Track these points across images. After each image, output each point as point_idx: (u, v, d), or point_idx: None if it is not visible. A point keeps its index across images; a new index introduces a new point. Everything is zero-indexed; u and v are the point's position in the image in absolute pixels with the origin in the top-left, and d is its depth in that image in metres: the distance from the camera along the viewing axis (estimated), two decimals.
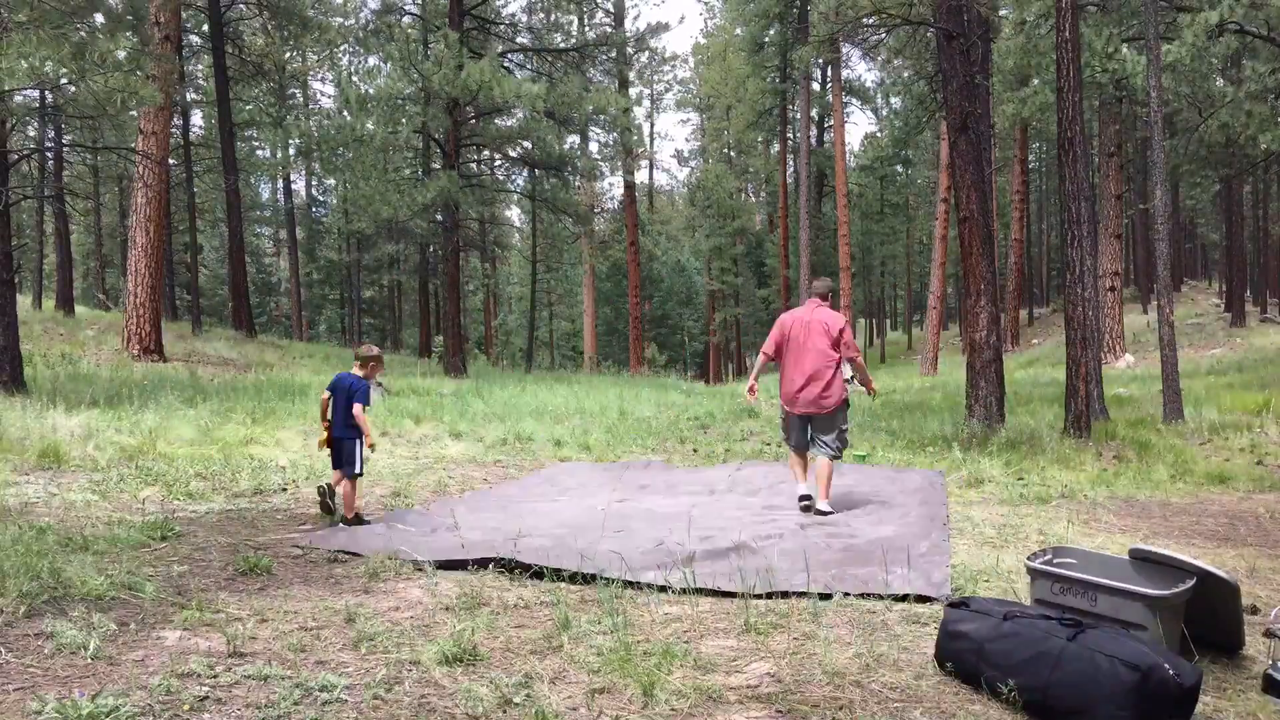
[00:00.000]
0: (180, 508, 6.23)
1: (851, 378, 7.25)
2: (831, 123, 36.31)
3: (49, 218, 27.22)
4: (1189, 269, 46.98)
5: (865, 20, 16.39)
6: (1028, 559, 3.79)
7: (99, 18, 11.47)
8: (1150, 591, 3.36)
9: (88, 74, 10.86)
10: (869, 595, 4.31)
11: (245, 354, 18.84)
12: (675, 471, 8.60)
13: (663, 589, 4.46)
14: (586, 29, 33.87)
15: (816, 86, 36.56)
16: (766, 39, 35.84)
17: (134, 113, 15.56)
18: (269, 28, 26.12)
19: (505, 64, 22.85)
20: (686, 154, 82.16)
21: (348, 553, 5.14)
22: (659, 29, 30.23)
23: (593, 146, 33.97)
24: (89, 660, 3.34)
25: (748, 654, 3.58)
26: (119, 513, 5.86)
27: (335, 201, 42.23)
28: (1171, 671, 2.83)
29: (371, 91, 21.18)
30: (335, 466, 5.94)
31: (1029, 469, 8.27)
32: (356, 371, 6.00)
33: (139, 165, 16.29)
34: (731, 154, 51.20)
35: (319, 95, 40.82)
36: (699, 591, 4.43)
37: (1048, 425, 10.45)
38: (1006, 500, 6.98)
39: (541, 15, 28.03)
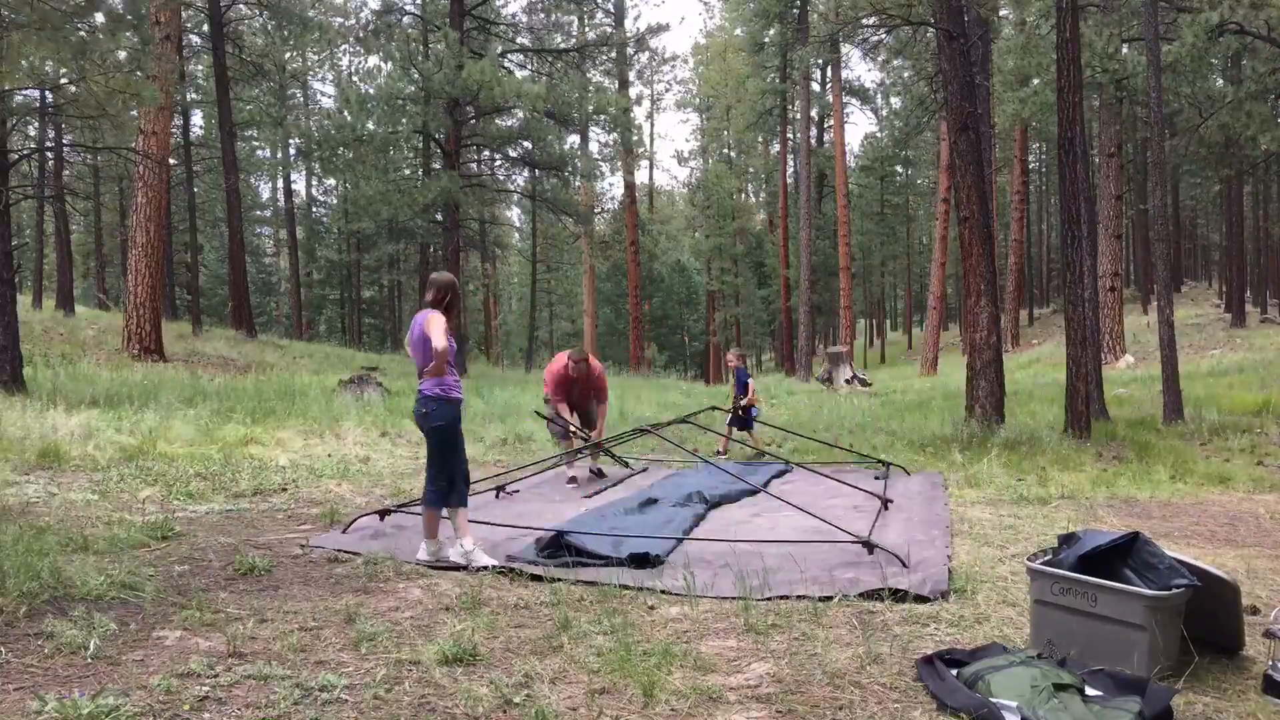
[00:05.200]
0: (180, 508, 6.23)
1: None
2: (831, 123, 36.32)
3: (49, 218, 27.21)
4: (1189, 269, 46.98)
5: (865, 20, 16.38)
6: (1027, 559, 3.79)
7: (99, 18, 11.45)
8: (1150, 592, 3.36)
9: (88, 74, 10.86)
10: (869, 596, 4.32)
11: (245, 354, 18.84)
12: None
13: (663, 591, 4.46)
14: (586, 29, 33.87)
15: (816, 86, 36.57)
16: (766, 39, 35.84)
17: (134, 113, 15.54)
18: (269, 28, 26.12)
19: (505, 64, 22.86)
20: (686, 154, 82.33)
21: (348, 552, 5.15)
22: (659, 29, 30.23)
23: (593, 146, 33.98)
24: (89, 660, 3.34)
25: (748, 654, 3.59)
26: (119, 513, 5.86)
27: (335, 201, 42.26)
28: None
29: (371, 91, 21.19)
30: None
31: (1029, 469, 8.27)
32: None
33: (139, 165, 16.28)
34: (731, 154, 51.21)
35: (319, 95, 40.84)
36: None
37: (1048, 426, 10.45)
38: (1006, 501, 6.98)
39: (542, 15, 28.03)
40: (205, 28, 23.97)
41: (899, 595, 4.30)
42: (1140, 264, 35.64)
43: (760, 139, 48.29)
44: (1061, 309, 15.15)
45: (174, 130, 21.30)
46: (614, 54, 29.48)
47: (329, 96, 40.32)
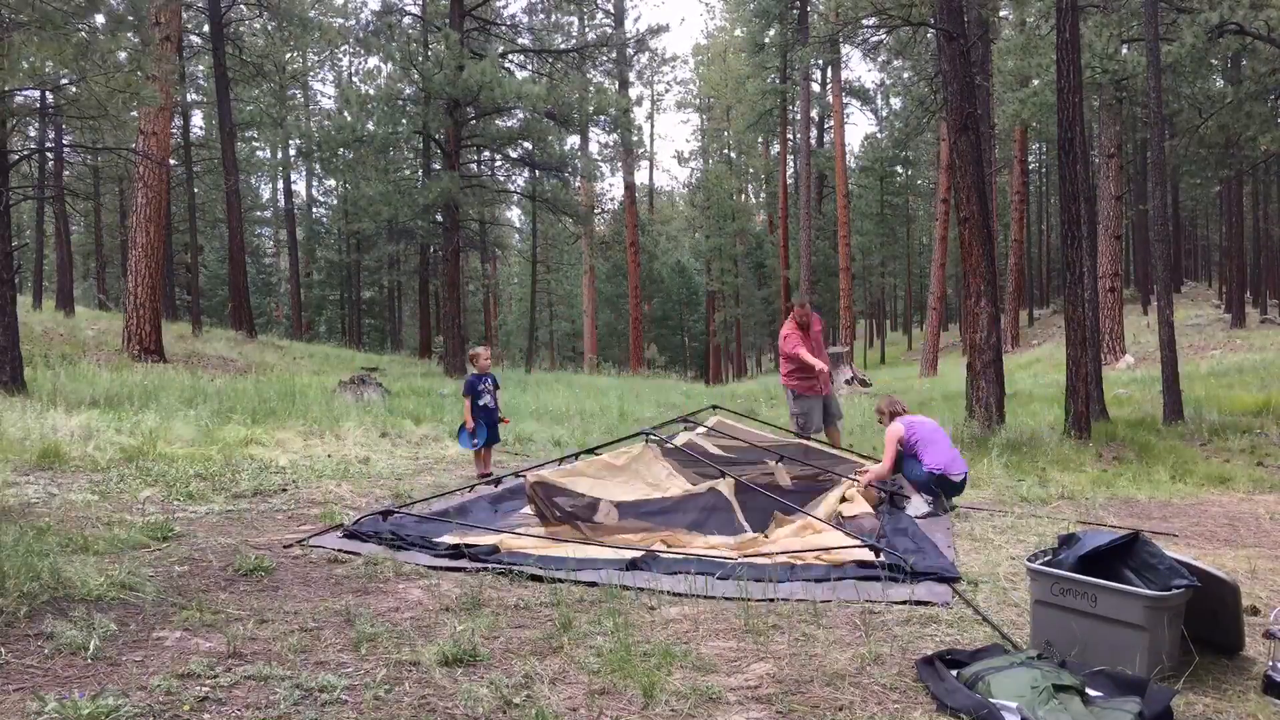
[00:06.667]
0: (180, 508, 6.23)
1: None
2: (831, 123, 36.35)
3: (49, 218, 27.23)
4: (1189, 270, 46.97)
5: (865, 21, 16.40)
6: (1028, 560, 3.79)
7: (100, 18, 11.45)
8: (1150, 592, 3.36)
9: (89, 74, 10.87)
10: (870, 600, 4.31)
11: (245, 354, 18.85)
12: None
13: (664, 592, 4.46)
14: (587, 30, 33.92)
15: (816, 87, 36.61)
16: (766, 39, 35.88)
17: (134, 113, 15.55)
18: (269, 28, 26.14)
19: (506, 64, 22.85)
20: (686, 154, 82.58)
21: (348, 553, 5.15)
22: (659, 30, 30.32)
23: (593, 147, 34.05)
24: (89, 660, 3.34)
25: (748, 655, 3.59)
26: (119, 513, 5.86)
27: (335, 202, 42.29)
28: None
29: (371, 92, 21.20)
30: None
31: (1029, 470, 8.27)
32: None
33: (139, 166, 16.29)
34: (731, 154, 51.26)
35: (319, 96, 40.89)
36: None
37: (1048, 426, 10.45)
38: (1006, 501, 6.98)
39: (542, 16, 28.05)
40: (205, 28, 23.99)
41: (901, 599, 4.30)
42: (1140, 264, 35.63)
43: (760, 139, 48.33)
44: (1061, 309, 15.15)
45: (174, 131, 21.32)
46: (614, 54, 29.52)
47: (329, 97, 40.42)
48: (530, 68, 25.20)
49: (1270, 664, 3.31)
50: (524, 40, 25.67)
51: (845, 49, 29.90)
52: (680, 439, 7.70)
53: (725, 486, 6.28)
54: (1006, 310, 28.16)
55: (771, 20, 33.57)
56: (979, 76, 16.47)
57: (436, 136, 21.43)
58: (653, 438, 7.12)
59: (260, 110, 29.72)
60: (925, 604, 4.23)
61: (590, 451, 7.74)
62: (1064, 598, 3.54)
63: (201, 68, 28.53)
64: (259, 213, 44.16)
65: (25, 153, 18.41)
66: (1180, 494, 7.39)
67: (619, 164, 36.14)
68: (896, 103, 43.46)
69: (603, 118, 23.20)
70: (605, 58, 29.18)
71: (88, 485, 6.66)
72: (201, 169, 30.51)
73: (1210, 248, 47.72)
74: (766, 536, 5.57)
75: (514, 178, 30.04)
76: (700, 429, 8.29)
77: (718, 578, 4.58)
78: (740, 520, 5.94)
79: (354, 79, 29.09)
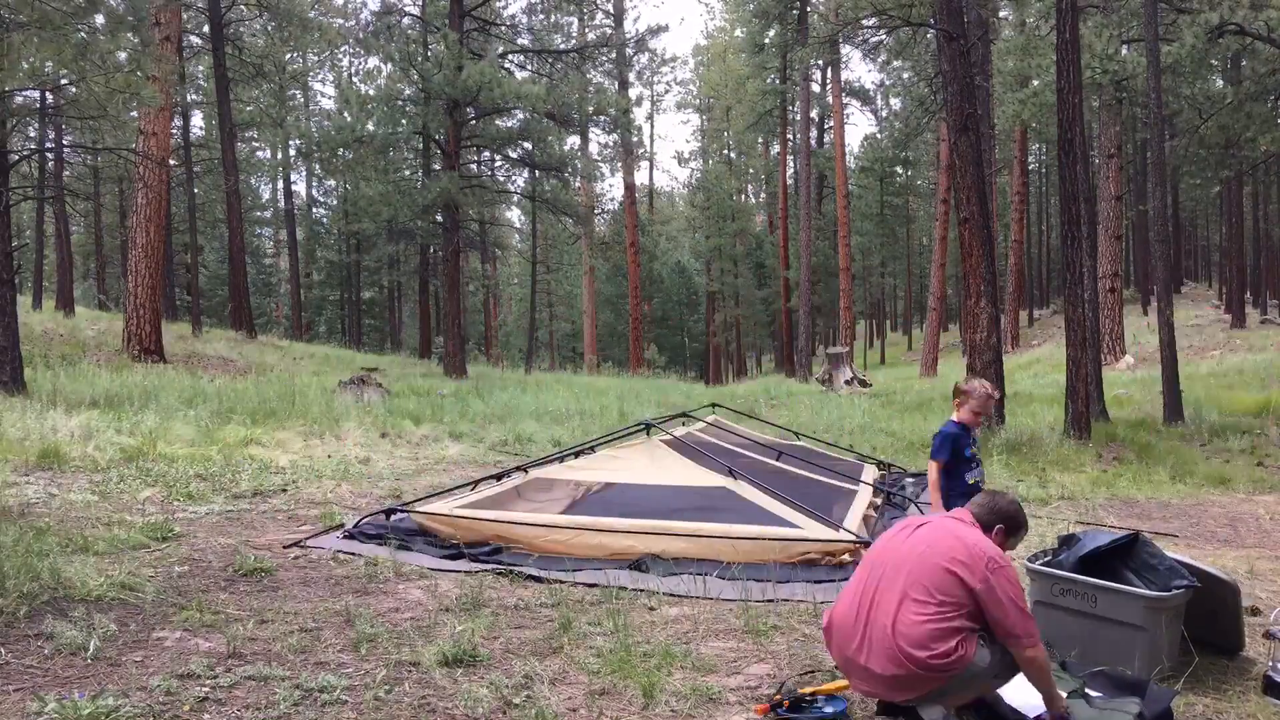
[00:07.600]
0: (180, 509, 6.23)
1: None
2: (831, 124, 36.35)
3: (49, 218, 27.23)
4: (1189, 270, 46.95)
5: (865, 21, 16.42)
6: (1028, 560, 3.79)
7: (100, 18, 11.45)
8: (1149, 593, 3.36)
9: (88, 75, 10.87)
10: None
11: (245, 354, 18.83)
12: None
13: (664, 593, 4.46)
14: (586, 30, 33.91)
15: (816, 87, 36.60)
16: (766, 40, 35.86)
17: (134, 113, 15.54)
18: (269, 29, 26.14)
19: (505, 65, 22.86)
20: (686, 155, 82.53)
21: (347, 553, 5.15)
22: (658, 30, 30.36)
23: (593, 147, 34.02)
24: (89, 661, 3.34)
25: (748, 655, 3.59)
26: (119, 514, 5.86)
27: (335, 202, 42.26)
28: None
29: (371, 92, 21.21)
30: None
31: (1029, 470, 8.27)
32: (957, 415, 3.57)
33: (139, 166, 16.27)
34: (731, 155, 51.23)
35: (319, 96, 40.87)
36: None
37: (1048, 427, 10.46)
38: None
39: (542, 16, 28.06)
40: (205, 28, 23.98)
41: None
42: (1140, 264, 35.62)
43: (760, 140, 48.32)
44: (1061, 310, 15.17)
45: (174, 131, 21.30)
46: (614, 55, 29.53)
47: (329, 97, 40.40)
48: (530, 68, 25.20)
49: (1270, 664, 3.31)
50: (524, 40, 25.66)
51: (845, 49, 29.95)
52: (679, 432, 7.70)
53: (739, 488, 6.27)
54: (1006, 310, 28.15)
55: (771, 20, 33.54)
56: (979, 76, 16.49)
57: (436, 137, 21.42)
58: (654, 430, 7.11)
59: (260, 110, 29.69)
60: None
61: (590, 448, 7.74)
62: (1064, 598, 3.54)
63: (201, 68, 28.51)
64: (259, 213, 44.12)
65: (25, 153, 18.42)
66: (1180, 494, 7.39)
67: (619, 164, 36.15)
68: (896, 103, 43.51)
69: (603, 118, 23.18)
70: (605, 58, 29.20)
71: (88, 485, 6.66)
72: (201, 169, 30.49)
73: (1210, 248, 47.69)
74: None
75: (514, 178, 30.04)
76: (699, 424, 8.28)
77: (716, 577, 4.58)
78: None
79: (354, 79, 29.05)
